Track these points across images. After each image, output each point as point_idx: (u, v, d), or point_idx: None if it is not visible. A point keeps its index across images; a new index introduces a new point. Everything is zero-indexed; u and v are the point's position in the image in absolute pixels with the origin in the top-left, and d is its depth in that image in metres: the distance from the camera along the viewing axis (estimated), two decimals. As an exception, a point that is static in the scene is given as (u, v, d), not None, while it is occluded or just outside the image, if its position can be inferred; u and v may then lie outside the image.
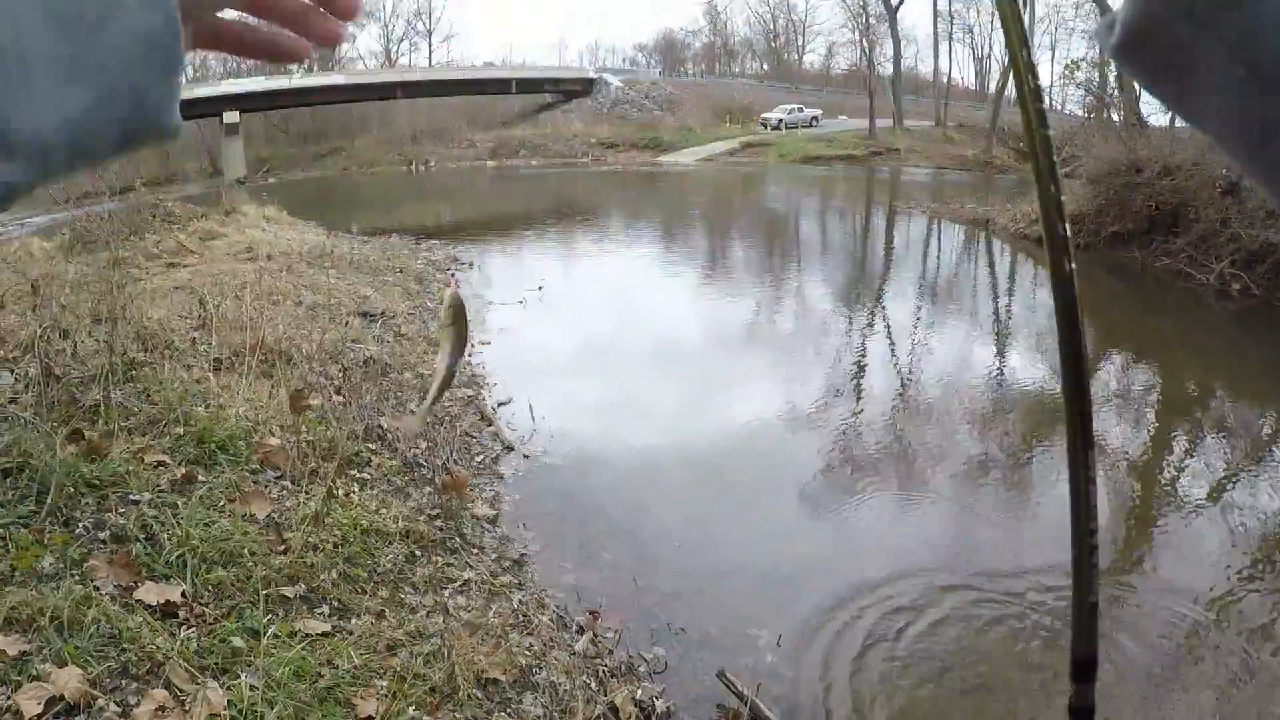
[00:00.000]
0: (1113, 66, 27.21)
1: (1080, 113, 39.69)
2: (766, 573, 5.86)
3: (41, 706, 2.97)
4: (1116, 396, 9.71)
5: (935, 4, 63.06)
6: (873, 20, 59.13)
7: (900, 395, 9.64)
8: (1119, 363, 11.30)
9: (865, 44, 60.93)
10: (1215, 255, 14.75)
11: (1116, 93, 27.37)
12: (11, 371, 5.81)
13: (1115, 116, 26.63)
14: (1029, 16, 49.87)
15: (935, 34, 65.71)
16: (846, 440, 8.29)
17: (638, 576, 5.73)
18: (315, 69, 62.31)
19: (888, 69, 59.54)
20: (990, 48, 70.18)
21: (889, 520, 6.73)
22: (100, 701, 3.09)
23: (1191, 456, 8.35)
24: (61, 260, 10.83)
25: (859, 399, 9.51)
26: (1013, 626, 5.32)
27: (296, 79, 56.19)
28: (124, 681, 3.24)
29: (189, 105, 51.89)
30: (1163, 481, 7.73)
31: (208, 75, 62.76)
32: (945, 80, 68.13)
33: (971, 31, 70.06)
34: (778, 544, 6.24)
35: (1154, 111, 29.42)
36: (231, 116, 51.81)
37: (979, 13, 66.99)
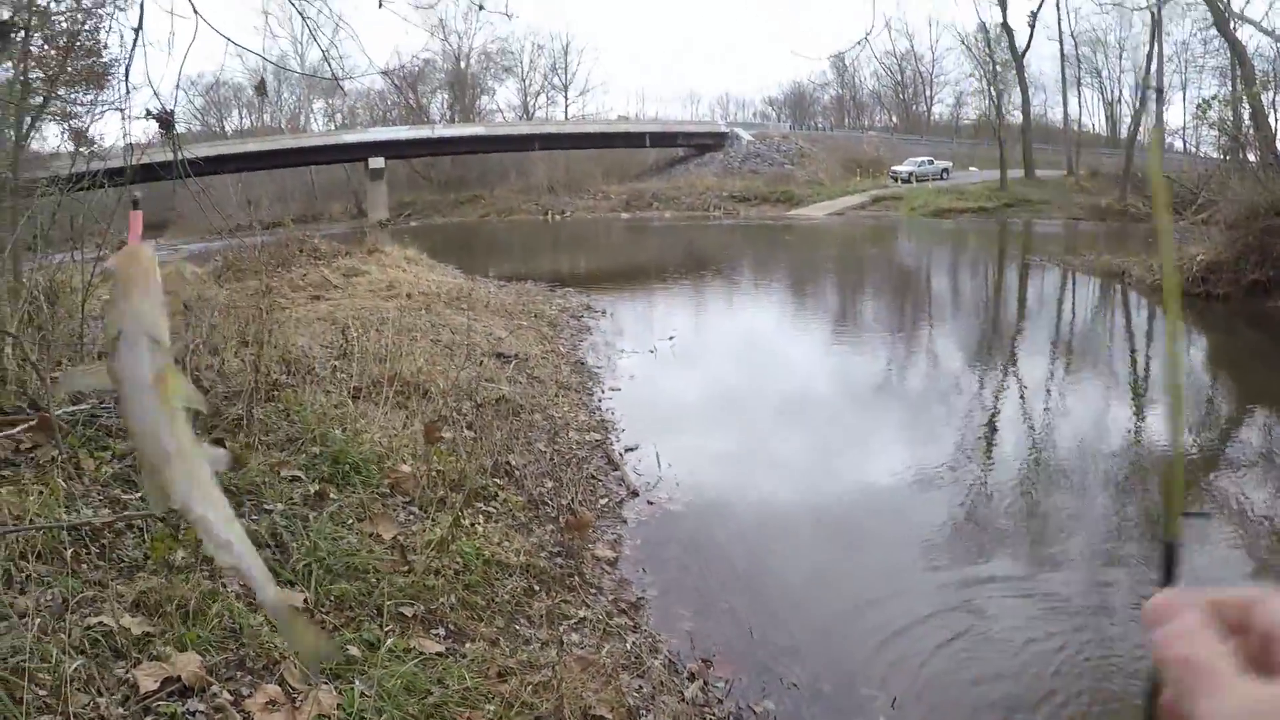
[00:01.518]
0: (1246, 103, 26.06)
1: (1215, 154, 37.94)
2: (886, 634, 5.65)
3: (158, 684, 3.12)
4: (1261, 460, 9.21)
5: (1062, 49, 61.02)
6: (1000, 68, 57.76)
7: (1032, 457, 9.26)
8: (1264, 424, 10.70)
9: (993, 92, 59.73)
10: (1369, 302, 13.77)
11: (1252, 131, 26.09)
12: (160, 380, 6.07)
13: (1252, 157, 25.38)
14: (1156, 55, 48.28)
15: (1063, 79, 63.69)
16: (976, 503, 8.02)
17: (754, 628, 5.64)
18: (457, 120, 64.38)
19: (1017, 117, 58.32)
20: (1120, 92, 67.85)
21: (1016, 592, 6.44)
22: (214, 688, 3.21)
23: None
24: (212, 285, 11.33)
25: (989, 460, 9.20)
26: None
27: (439, 129, 58.15)
28: (239, 673, 3.37)
29: (337, 150, 54.23)
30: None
31: (355, 122, 65.38)
32: (1075, 127, 66.17)
33: (1100, 75, 67.33)
34: (899, 606, 6.03)
35: (1294, 149, 28.16)
36: (377, 162, 53.84)
37: (1106, 56, 65.02)
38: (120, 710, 2.99)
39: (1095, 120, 75.12)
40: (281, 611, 0.85)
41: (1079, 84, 66.63)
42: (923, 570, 6.61)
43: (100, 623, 3.30)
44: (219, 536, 0.79)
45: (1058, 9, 56.63)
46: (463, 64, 70.18)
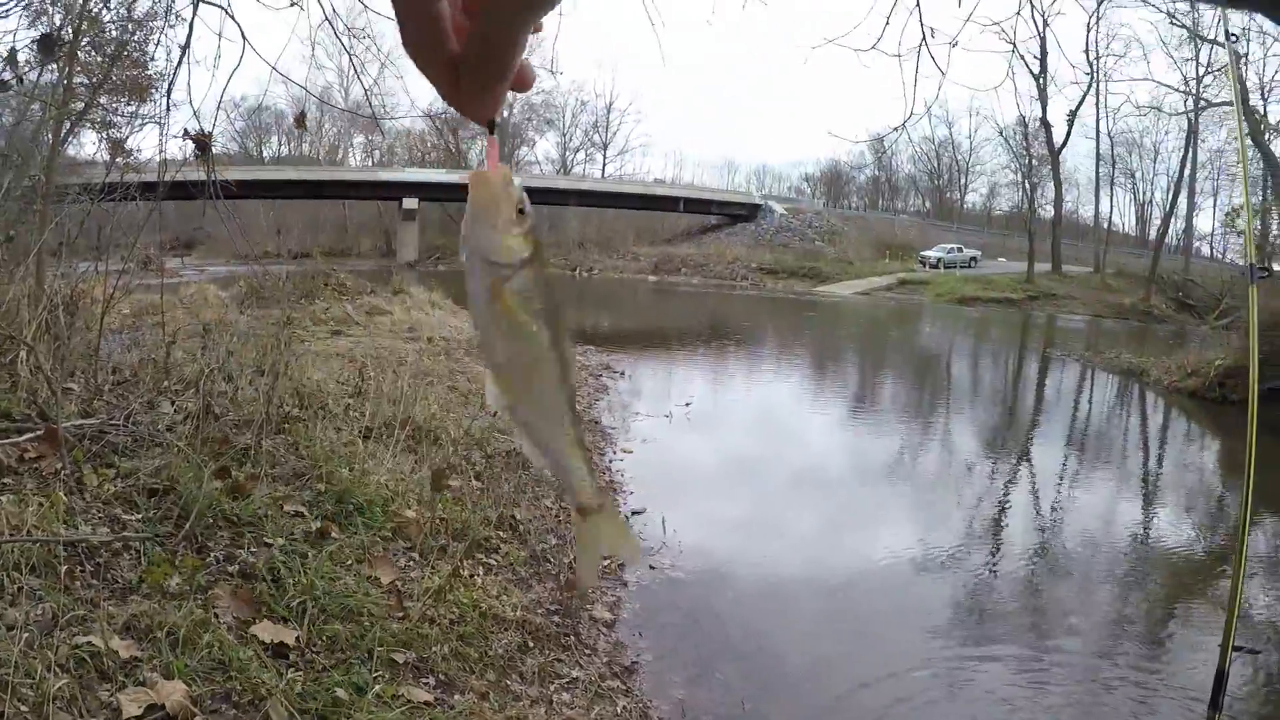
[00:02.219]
0: (1276, 215, 26.70)
1: (1241, 261, 38.49)
2: (880, 716, 5.61)
3: (141, 710, 3.07)
4: (1271, 565, 9.11)
5: (1098, 148, 61.66)
6: (1035, 162, 58.82)
7: (1039, 548, 9.22)
8: (1273, 529, 10.53)
9: (1027, 185, 60.48)
10: (1389, 412, 13.82)
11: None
12: (172, 402, 6.09)
13: (1277, 265, 25.71)
14: (1190, 163, 48.88)
15: (1097, 178, 64.57)
16: (980, 589, 7.96)
17: (747, 701, 5.55)
18: (495, 169, 65.01)
19: (1048, 211, 58.96)
20: (1152, 194, 68.65)
21: (1013, 680, 6.34)
22: (198, 719, 3.14)
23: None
24: (234, 310, 11.37)
25: (997, 548, 9.14)
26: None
27: (476, 175, 58.58)
28: (224, 706, 3.31)
29: (373, 187, 54.87)
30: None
31: (393, 161, 66.09)
32: (1105, 225, 66.81)
33: (1133, 176, 68.39)
34: (896, 689, 5.97)
35: (1319, 260, 28.68)
36: (410, 202, 54.37)
37: (1141, 159, 65.92)
38: (101, 733, 2.95)
39: (1125, 220, 76.04)
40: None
41: (1112, 183, 67.53)
42: (920, 655, 6.53)
43: (89, 642, 3.26)
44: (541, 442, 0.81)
45: (1096, 109, 57.30)
46: (505, 113, 70.81)
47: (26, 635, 3.10)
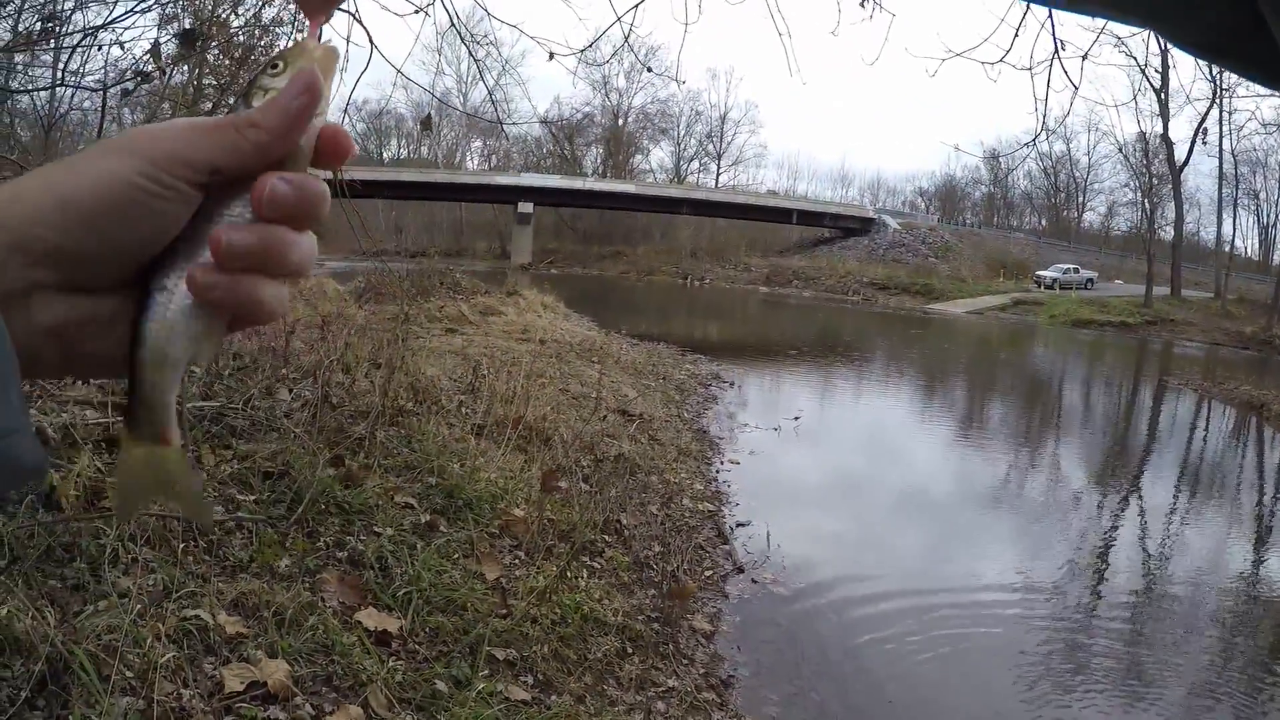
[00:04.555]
0: None
1: None
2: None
3: (243, 686, 3.14)
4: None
5: (1221, 167, 58.07)
6: (1155, 180, 55.95)
7: (1142, 585, 8.80)
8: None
9: (1147, 205, 57.61)
10: None
11: None
12: (290, 390, 6.24)
13: None
14: None
15: (1219, 198, 60.67)
16: (1081, 624, 7.61)
17: (840, 725, 5.45)
18: (608, 175, 65.68)
19: (1168, 233, 56.22)
20: (1276, 216, 64.92)
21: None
22: (298, 700, 3.21)
23: None
24: (351, 304, 11.60)
25: (1098, 582, 8.77)
26: None
27: (590, 182, 59.42)
28: (325, 689, 3.35)
29: (489, 190, 55.87)
30: None
31: (509, 165, 67.19)
32: (1227, 249, 63.08)
33: (1257, 198, 64.67)
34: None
35: None
36: (526, 206, 55.19)
37: (1265, 179, 62.27)
38: (203, 706, 3.01)
39: (1248, 243, 72.43)
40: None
41: (1235, 204, 63.66)
42: (1017, 688, 6.29)
43: (197, 616, 3.34)
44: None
45: (1220, 125, 54.01)
46: (620, 121, 71.66)
47: (138, 606, 3.18)
